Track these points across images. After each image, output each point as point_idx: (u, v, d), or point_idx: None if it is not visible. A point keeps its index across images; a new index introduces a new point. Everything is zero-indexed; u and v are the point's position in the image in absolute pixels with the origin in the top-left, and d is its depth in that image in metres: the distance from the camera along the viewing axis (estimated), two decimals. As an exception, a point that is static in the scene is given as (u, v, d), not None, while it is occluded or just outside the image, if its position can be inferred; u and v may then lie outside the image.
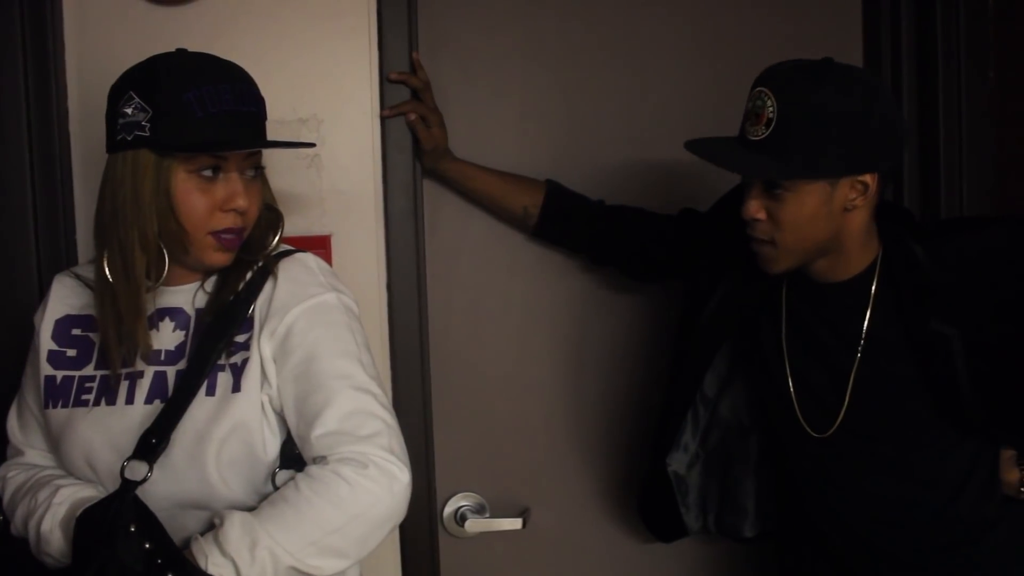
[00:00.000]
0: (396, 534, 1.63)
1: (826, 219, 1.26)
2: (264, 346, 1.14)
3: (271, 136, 1.25)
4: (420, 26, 1.66)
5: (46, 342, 1.22)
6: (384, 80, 1.59)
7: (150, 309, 1.18)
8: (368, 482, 1.06)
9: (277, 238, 1.23)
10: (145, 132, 1.10)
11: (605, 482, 1.80)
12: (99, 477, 1.15)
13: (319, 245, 1.55)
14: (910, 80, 1.77)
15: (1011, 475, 1.34)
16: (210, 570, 1.02)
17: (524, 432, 1.78)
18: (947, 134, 1.73)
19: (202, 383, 1.12)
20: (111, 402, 1.16)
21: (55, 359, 1.21)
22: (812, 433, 1.38)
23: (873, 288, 1.32)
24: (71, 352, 1.21)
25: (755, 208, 1.28)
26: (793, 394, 1.39)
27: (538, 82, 1.75)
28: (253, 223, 1.19)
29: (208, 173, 1.13)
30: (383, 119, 1.59)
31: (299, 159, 1.55)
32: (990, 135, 1.74)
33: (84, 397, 1.17)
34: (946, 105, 1.73)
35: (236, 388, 1.12)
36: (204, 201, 1.13)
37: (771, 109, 1.23)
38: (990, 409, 1.28)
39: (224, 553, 1.02)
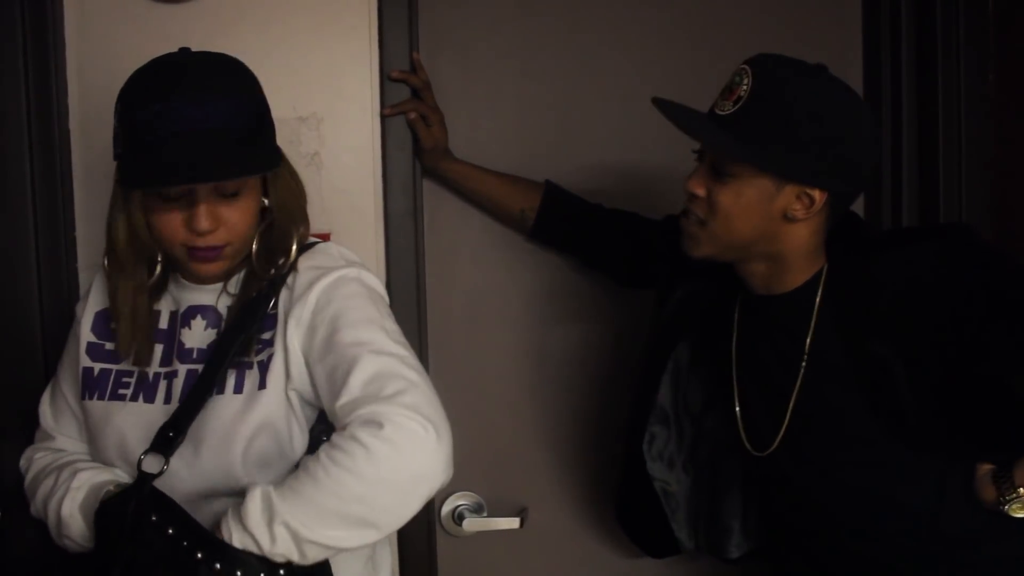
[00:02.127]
0: (392, 533, 1.62)
1: (761, 219, 1.22)
2: (292, 337, 1.13)
3: None
4: (421, 26, 1.66)
5: (86, 334, 1.23)
6: (385, 79, 1.59)
7: (182, 306, 1.20)
8: (384, 444, 0.98)
9: (297, 237, 1.20)
10: (119, 149, 1.10)
11: (603, 482, 1.79)
12: (131, 471, 1.16)
13: (318, 243, 1.55)
14: (910, 80, 1.77)
15: (987, 494, 1.21)
16: (235, 545, 1.01)
17: (522, 432, 1.78)
18: (947, 135, 1.73)
19: (218, 377, 1.12)
20: (149, 399, 1.17)
21: (94, 351, 1.22)
22: (753, 452, 1.36)
23: (816, 305, 1.26)
24: (109, 345, 1.22)
25: (695, 183, 1.25)
26: (738, 411, 1.37)
27: (538, 82, 1.75)
28: (239, 238, 1.14)
29: (170, 193, 1.09)
30: (383, 117, 1.59)
31: (299, 157, 1.55)
32: (990, 135, 1.74)
33: (121, 391, 1.19)
34: (946, 105, 1.73)
35: (262, 385, 1.13)
36: (168, 220, 1.10)
37: (744, 88, 1.19)
38: (937, 430, 1.21)
39: (246, 529, 1.01)
